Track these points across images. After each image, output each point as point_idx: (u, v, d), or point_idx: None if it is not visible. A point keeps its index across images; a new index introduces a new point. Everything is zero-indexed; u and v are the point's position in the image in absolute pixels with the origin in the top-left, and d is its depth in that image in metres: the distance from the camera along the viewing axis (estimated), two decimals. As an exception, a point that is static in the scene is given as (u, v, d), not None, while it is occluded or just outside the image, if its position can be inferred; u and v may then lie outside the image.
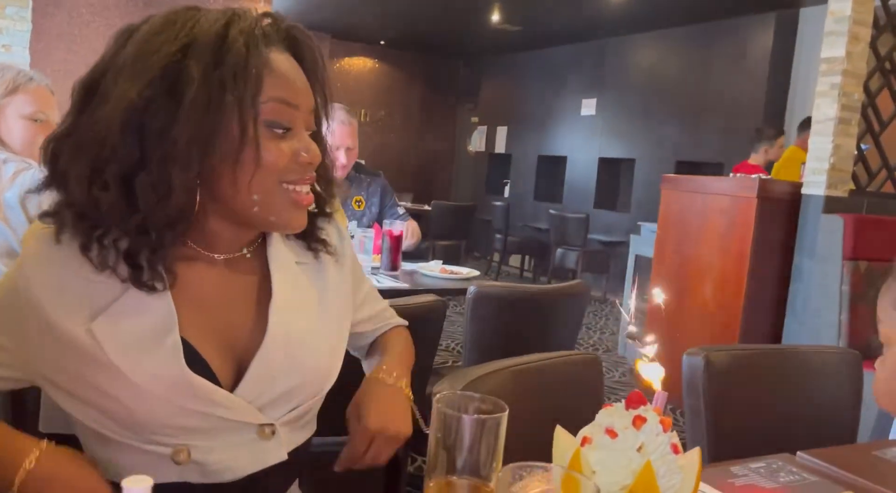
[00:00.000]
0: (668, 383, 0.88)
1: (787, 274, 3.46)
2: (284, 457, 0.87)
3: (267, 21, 0.82)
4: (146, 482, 0.48)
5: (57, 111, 1.78)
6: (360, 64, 9.76)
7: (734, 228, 3.55)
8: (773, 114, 6.07)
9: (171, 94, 0.73)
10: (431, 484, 0.75)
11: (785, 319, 3.46)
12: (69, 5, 6.14)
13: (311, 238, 0.94)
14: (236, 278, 0.87)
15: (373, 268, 2.72)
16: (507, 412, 0.75)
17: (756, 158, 4.80)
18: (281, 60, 0.80)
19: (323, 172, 0.89)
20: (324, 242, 0.95)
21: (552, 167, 8.67)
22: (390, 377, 1.01)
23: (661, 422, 0.82)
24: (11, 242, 1.57)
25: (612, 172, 7.95)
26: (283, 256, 0.90)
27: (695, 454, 0.82)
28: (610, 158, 7.81)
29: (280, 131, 0.79)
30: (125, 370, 0.76)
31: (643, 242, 4.58)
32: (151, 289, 0.77)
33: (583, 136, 8.11)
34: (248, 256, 0.88)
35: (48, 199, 0.79)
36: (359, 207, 2.98)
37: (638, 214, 6.98)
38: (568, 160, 8.31)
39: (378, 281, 2.57)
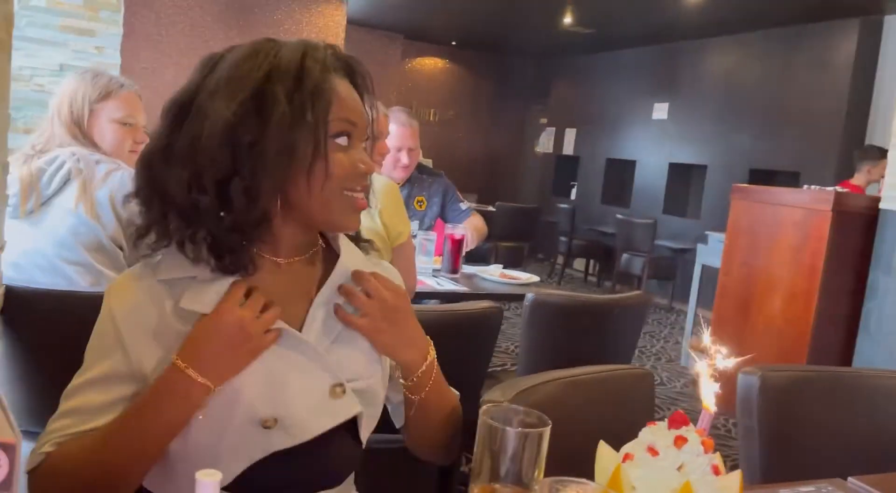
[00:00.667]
0: (727, 398, 0.89)
1: (862, 291, 3.35)
2: (358, 409, 0.94)
3: (331, 52, 0.94)
4: (216, 475, 0.54)
5: (144, 115, 1.90)
6: (430, 64, 9.86)
7: (807, 242, 3.46)
8: (854, 124, 5.85)
9: (258, 112, 0.85)
10: (476, 489, 0.79)
11: (857, 337, 3.35)
12: (157, 6, 6.43)
13: (357, 237, 1.07)
14: (294, 279, 0.97)
15: (434, 270, 2.78)
16: (549, 427, 0.79)
17: (858, 178, 4.67)
18: (342, 85, 0.93)
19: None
20: (368, 240, 1.08)
21: (621, 171, 8.56)
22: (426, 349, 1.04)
23: (702, 443, 0.84)
24: (101, 237, 1.69)
25: (683, 178, 7.80)
26: (347, 264, 0.99)
27: (735, 476, 0.84)
28: (680, 163, 7.67)
29: (344, 144, 0.92)
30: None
31: (710, 252, 4.50)
32: (230, 271, 0.89)
33: (653, 140, 7.98)
34: (305, 261, 0.99)
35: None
36: (420, 207, 3.04)
37: (708, 221, 6.83)
38: (637, 164, 8.20)
39: (438, 283, 2.62)
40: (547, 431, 0.78)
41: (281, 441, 0.90)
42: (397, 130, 2.85)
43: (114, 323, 0.89)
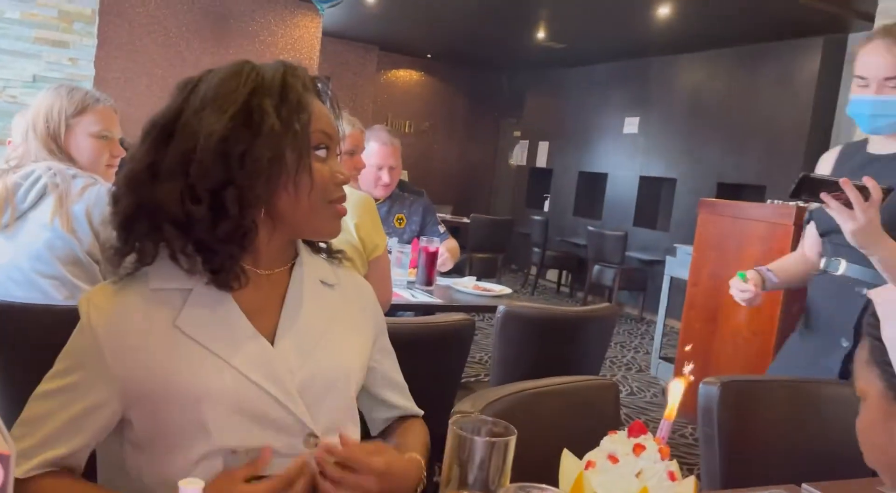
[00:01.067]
0: (691, 407, 0.94)
1: (823, 303, 3.45)
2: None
3: (307, 72, 1.00)
4: (198, 483, 0.57)
5: (119, 128, 1.91)
6: (405, 76, 9.92)
7: (771, 255, 3.55)
8: (818, 139, 6.02)
9: (248, 125, 0.90)
10: (445, 498, 0.83)
11: (819, 347, 3.45)
12: (131, 16, 6.41)
13: (329, 249, 1.12)
14: (272, 290, 1.01)
15: (408, 282, 2.82)
16: (515, 436, 0.83)
17: None
18: (316, 102, 1.00)
19: None
20: (340, 251, 1.13)
21: (593, 183, 8.68)
22: (420, 468, 1.04)
23: (659, 451, 0.89)
24: (77, 251, 1.70)
25: (653, 191, 7.94)
26: (309, 271, 1.05)
27: (689, 482, 0.89)
28: (651, 176, 7.80)
29: (323, 156, 0.98)
30: (220, 354, 0.91)
31: (678, 264, 4.60)
32: (230, 287, 0.93)
33: (624, 153, 8.12)
34: (284, 271, 1.03)
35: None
36: (399, 224, 3.07)
37: (677, 233, 6.96)
38: (609, 177, 8.32)
39: (413, 295, 2.66)
40: (513, 440, 0.82)
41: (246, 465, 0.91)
42: (378, 149, 2.88)
43: (95, 338, 0.90)
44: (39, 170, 1.72)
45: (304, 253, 1.06)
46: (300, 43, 7.20)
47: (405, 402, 1.18)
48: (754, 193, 6.26)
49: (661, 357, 4.69)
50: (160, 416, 0.90)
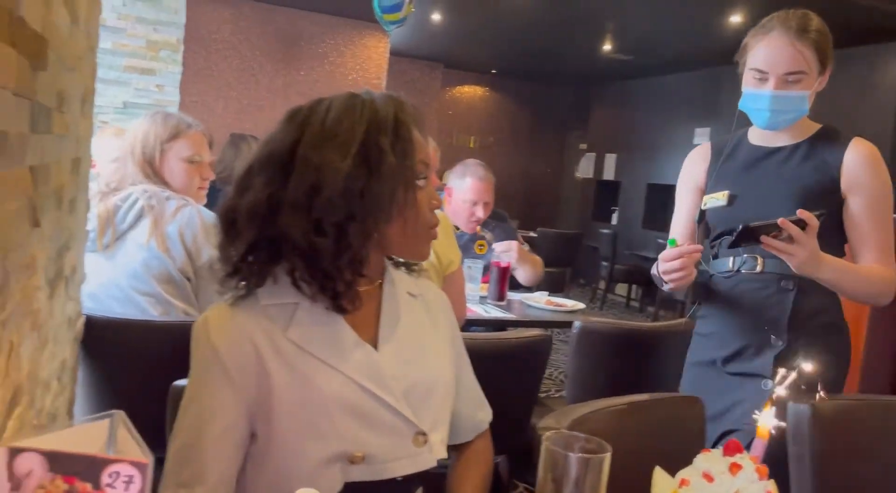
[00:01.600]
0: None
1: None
2: (434, 463, 1.03)
3: (410, 104, 1.05)
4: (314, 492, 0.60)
5: (209, 152, 2.01)
6: (470, 92, 10.00)
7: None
8: (902, 147, 5.77)
9: (366, 163, 0.95)
10: (539, 513, 0.84)
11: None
12: (209, 42, 6.67)
13: (408, 264, 1.18)
14: (369, 303, 1.07)
15: (480, 297, 2.83)
16: (610, 453, 0.83)
17: None
18: (416, 133, 1.04)
19: None
20: (416, 263, 1.18)
21: (662, 196, 8.52)
22: None
23: (757, 470, 0.87)
24: (171, 270, 1.79)
25: (725, 203, 7.73)
26: (397, 285, 1.11)
27: (789, 502, 0.87)
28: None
29: (422, 184, 1.03)
30: (330, 362, 0.97)
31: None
32: (346, 311, 0.99)
33: (695, 165, 7.94)
34: (377, 286, 1.09)
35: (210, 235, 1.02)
36: (481, 250, 3.06)
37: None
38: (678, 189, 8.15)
39: (485, 311, 2.68)
40: (608, 457, 0.83)
41: (359, 475, 0.97)
42: (474, 184, 2.89)
43: (217, 356, 0.95)
44: (136, 192, 1.82)
45: (390, 267, 1.12)
46: (368, 63, 7.36)
47: (481, 414, 1.22)
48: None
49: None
50: (280, 426, 0.95)
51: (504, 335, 1.87)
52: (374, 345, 1.03)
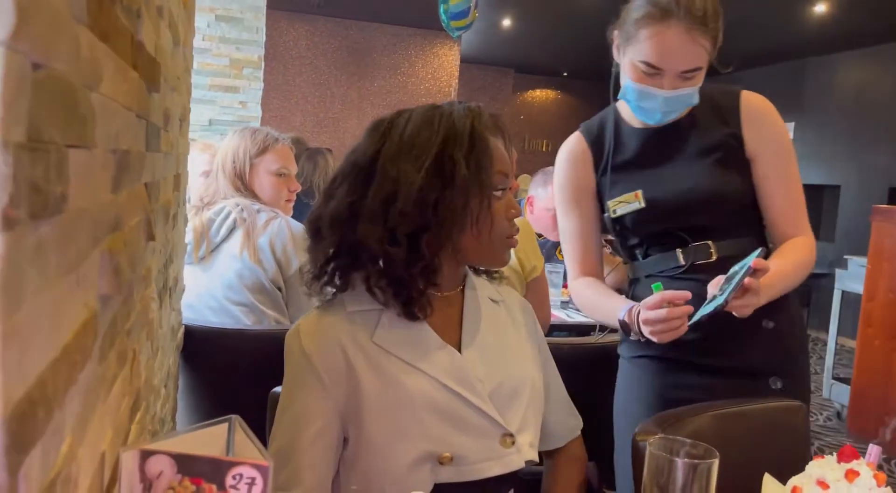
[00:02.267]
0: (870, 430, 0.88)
1: None
2: (522, 465, 1.03)
3: (489, 114, 1.06)
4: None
5: (294, 165, 2.07)
6: (542, 96, 9.94)
7: (961, 265, 3.23)
8: None
9: (440, 174, 0.97)
10: (644, 520, 0.83)
11: None
12: (286, 58, 6.89)
13: (489, 270, 1.18)
14: (451, 308, 1.09)
15: (562, 302, 2.81)
16: (718, 458, 0.81)
17: None
18: (495, 142, 1.04)
19: None
20: (497, 270, 1.18)
21: (744, 195, 8.25)
22: None
23: (875, 477, 0.83)
24: (263, 280, 1.85)
25: (813, 200, 7.39)
26: (478, 291, 1.13)
27: (913, 512, 0.83)
28: (810, 184, 7.31)
29: (499, 195, 1.03)
30: (416, 364, 0.99)
31: (850, 277, 4.26)
32: (417, 317, 1.01)
33: (779, 161, 7.66)
34: (459, 291, 1.11)
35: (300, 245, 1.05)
36: (562, 256, 3.04)
37: (844, 244, 6.46)
38: (762, 187, 7.88)
39: (568, 315, 2.65)
40: (716, 462, 0.81)
41: (448, 476, 0.98)
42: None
43: (309, 362, 0.99)
44: (229, 206, 1.89)
45: (471, 274, 1.14)
46: (440, 71, 7.43)
47: (573, 421, 1.22)
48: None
49: (834, 378, 4.35)
50: (369, 428, 0.97)
51: (588, 340, 1.85)
52: (458, 348, 1.04)
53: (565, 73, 9.68)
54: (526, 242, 2.14)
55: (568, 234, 1.58)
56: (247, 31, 3.47)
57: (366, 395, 0.97)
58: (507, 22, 6.90)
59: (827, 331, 4.54)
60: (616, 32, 1.41)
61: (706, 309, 1.19)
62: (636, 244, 1.48)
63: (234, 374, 1.75)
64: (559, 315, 2.62)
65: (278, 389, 1.18)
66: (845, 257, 4.55)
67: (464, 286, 1.11)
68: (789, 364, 1.42)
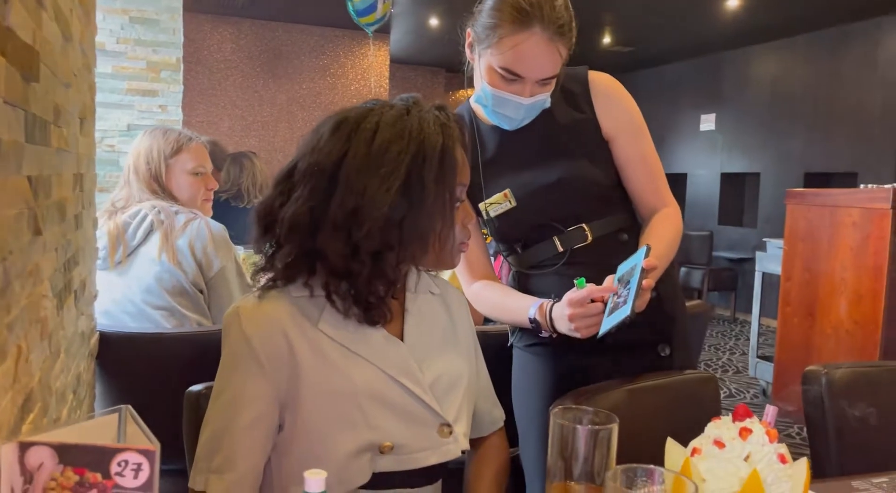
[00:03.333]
0: (796, 406, 0.93)
1: (932, 288, 3.27)
2: (458, 454, 1.05)
3: (457, 125, 1.04)
4: (321, 474, 0.61)
5: (210, 163, 2.03)
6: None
7: (868, 242, 3.40)
8: (910, 118, 5.72)
9: (407, 194, 0.96)
10: (551, 489, 0.85)
11: (931, 335, 3.26)
12: (210, 63, 6.75)
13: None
14: (394, 301, 1.07)
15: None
16: (617, 424, 0.84)
17: None
18: (460, 152, 1.03)
19: None
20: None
21: (672, 184, 8.38)
22: None
23: (767, 433, 0.87)
24: (184, 282, 1.81)
25: (736, 188, 7.70)
26: (419, 284, 1.14)
27: (802, 463, 0.87)
28: (733, 172, 7.58)
29: (457, 205, 1.04)
30: (360, 352, 0.99)
31: (770, 259, 4.44)
32: (376, 323, 1.01)
33: (703, 152, 7.92)
34: (401, 286, 1.11)
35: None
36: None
37: (765, 228, 6.73)
38: (689, 177, 8.13)
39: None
40: (615, 427, 0.83)
41: (387, 465, 0.99)
42: None
43: (249, 345, 0.96)
44: (145, 208, 1.85)
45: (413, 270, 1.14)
46: (369, 72, 7.40)
47: (497, 411, 1.23)
48: (845, 181, 5.99)
49: (758, 357, 4.53)
50: (309, 416, 0.96)
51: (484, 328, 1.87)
52: (400, 339, 1.05)
53: (495, 72, 9.76)
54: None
55: None
56: (163, 33, 3.38)
57: (307, 382, 0.96)
58: (434, 21, 6.93)
59: (751, 312, 4.72)
60: (470, 31, 1.37)
61: (613, 320, 1.17)
62: (515, 239, 1.49)
63: (155, 378, 1.71)
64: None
65: (195, 387, 1.16)
66: (764, 239, 4.74)
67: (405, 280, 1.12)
68: (673, 330, 1.46)
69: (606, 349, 1.37)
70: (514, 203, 1.41)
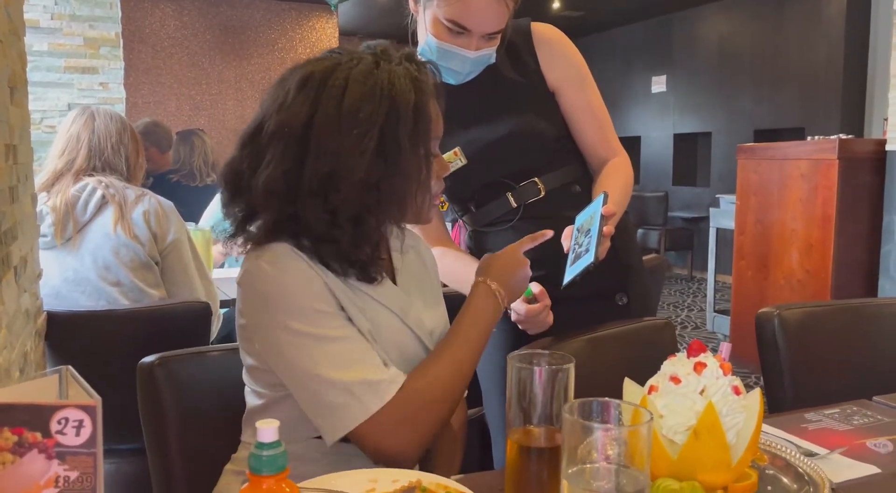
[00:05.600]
0: (752, 356, 0.94)
1: (878, 235, 3.37)
2: None
3: (433, 78, 1.00)
4: (274, 423, 0.60)
5: None
6: (426, 65, 9.92)
7: (817, 192, 3.48)
8: (853, 73, 5.85)
9: (382, 155, 0.92)
10: (512, 435, 0.84)
11: (878, 280, 3.37)
12: (153, 41, 6.55)
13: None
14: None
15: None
16: (573, 363, 0.84)
17: None
18: (434, 104, 1.00)
19: None
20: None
21: (626, 147, 8.46)
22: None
23: (721, 366, 0.89)
24: (141, 255, 1.77)
25: (689, 148, 7.81)
26: (396, 237, 1.12)
27: (755, 394, 0.89)
28: (685, 133, 7.68)
29: (434, 158, 1.01)
30: (381, 300, 0.99)
31: (723, 215, 4.53)
32: (374, 279, 0.98)
33: (655, 114, 8.00)
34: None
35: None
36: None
37: (719, 187, 6.84)
38: (642, 139, 8.21)
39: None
40: (572, 367, 0.83)
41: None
42: None
43: (297, 282, 0.92)
44: (93, 183, 1.79)
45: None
46: (318, 45, 7.27)
47: None
48: (794, 135, 6.10)
49: (715, 311, 4.63)
50: None
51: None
52: None
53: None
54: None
55: None
56: (99, 7, 3.25)
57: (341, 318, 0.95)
58: (381, -9, 6.82)
59: (706, 270, 4.81)
60: None
61: (577, 268, 1.18)
62: (468, 198, 1.48)
63: (107, 357, 1.66)
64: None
65: (147, 358, 1.13)
66: (717, 196, 4.82)
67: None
68: (630, 279, 1.48)
69: (565, 300, 1.36)
70: (464, 161, 1.40)
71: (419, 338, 1.03)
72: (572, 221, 1.28)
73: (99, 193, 1.77)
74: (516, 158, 1.41)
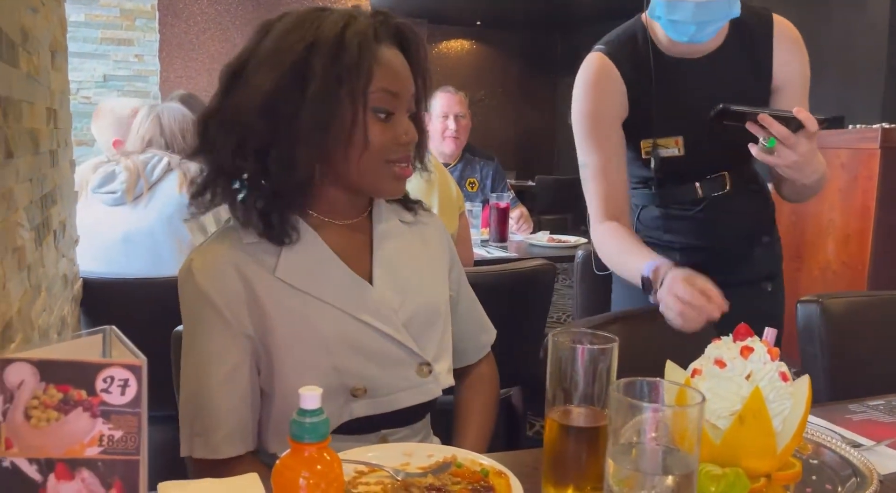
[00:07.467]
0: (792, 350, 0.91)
1: (918, 227, 3.28)
2: (439, 393, 1.02)
3: (380, 19, 0.94)
4: (317, 390, 0.59)
5: None
6: (457, 47, 9.84)
7: (856, 182, 3.40)
8: (897, 61, 5.69)
9: (297, 85, 0.88)
10: (551, 414, 0.82)
11: (918, 274, 3.29)
12: (186, 15, 6.54)
13: (406, 199, 1.10)
14: (357, 237, 1.02)
15: (482, 240, 2.82)
16: (617, 343, 0.81)
17: None
18: (389, 54, 0.94)
19: (418, 147, 1.03)
20: (418, 201, 1.11)
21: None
22: None
23: (769, 352, 0.86)
24: (199, 218, 1.87)
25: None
26: (385, 215, 1.05)
27: (804, 381, 0.86)
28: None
29: (383, 116, 0.93)
30: (324, 298, 0.93)
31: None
32: (281, 242, 0.93)
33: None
34: (366, 219, 1.04)
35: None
36: (472, 188, 3.04)
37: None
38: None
39: (488, 252, 2.66)
40: (615, 347, 0.81)
41: (364, 410, 0.95)
42: (442, 97, 2.85)
43: (207, 298, 0.91)
44: (158, 154, 1.90)
45: (380, 201, 1.06)
46: (350, 23, 7.23)
47: (485, 336, 1.19)
48: (832, 124, 5.97)
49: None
50: (280, 364, 0.93)
51: (508, 266, 1.85)
52: (369, 278, 0.99)
53: (479, 23, 9.59)
54: (447, 179, 2.11)
55: (592, 171, 1.43)
56: (136, -21, 3.27)
57: (274, 331, 0.92)
58: (415, -31, 6.75)
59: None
60: None
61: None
62: (651, 177, 1.42)
63: (141, 325, 1.65)
64: (479, 253, 2.63)
65: (181, 326, 1.13)
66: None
67: (371, 212, 1.05)
68: (776, 268, 1.56)
69: (720, 284, 1.21)
70: (682, 153, 1.35)
71: (383, 332, 0.96)
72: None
73: (165, 160, 1.89)
74: (721, 153, 1.39)
